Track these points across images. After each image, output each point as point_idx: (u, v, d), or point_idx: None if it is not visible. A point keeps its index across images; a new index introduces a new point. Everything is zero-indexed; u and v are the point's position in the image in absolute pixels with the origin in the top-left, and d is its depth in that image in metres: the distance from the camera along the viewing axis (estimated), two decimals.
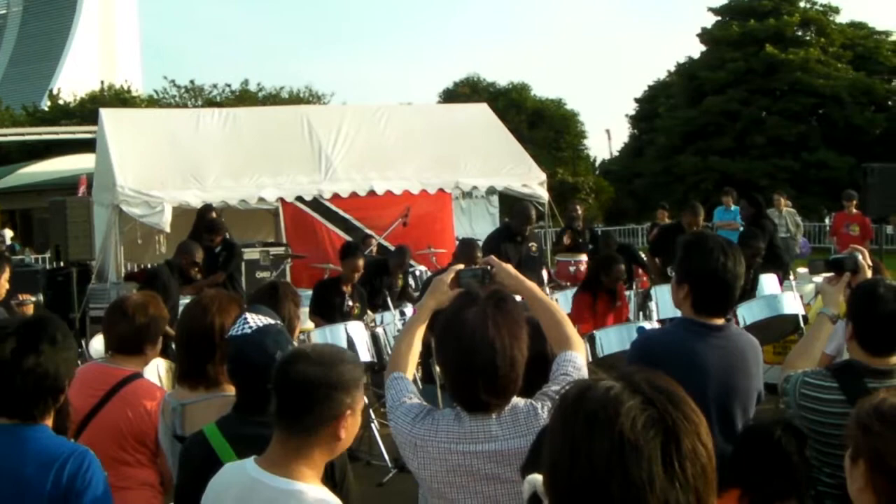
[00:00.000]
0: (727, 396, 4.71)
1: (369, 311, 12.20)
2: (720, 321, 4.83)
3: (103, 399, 5.27)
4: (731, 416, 4.72)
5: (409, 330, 4.24)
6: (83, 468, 4.05)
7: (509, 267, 4.33)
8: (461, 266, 4.39)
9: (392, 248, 16.89)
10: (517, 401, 3.77)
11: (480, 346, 3.64)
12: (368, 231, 18.56)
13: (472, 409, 3.73)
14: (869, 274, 5.13)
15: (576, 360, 3.97)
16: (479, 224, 20.97)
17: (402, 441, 3.85)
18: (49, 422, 4.15)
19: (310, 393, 3.42)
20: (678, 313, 10.55)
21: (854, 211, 20.06)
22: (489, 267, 4.30)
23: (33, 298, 7.80)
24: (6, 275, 8.57)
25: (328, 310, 11.66)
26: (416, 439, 3.77)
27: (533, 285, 4.37)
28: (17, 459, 3.99)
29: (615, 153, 64.36)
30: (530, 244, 13.17)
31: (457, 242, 17.19)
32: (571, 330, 4.14)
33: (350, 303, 11.95)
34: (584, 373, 3.93)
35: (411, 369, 4.17)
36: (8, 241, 36.22)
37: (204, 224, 15.04)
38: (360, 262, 12.06)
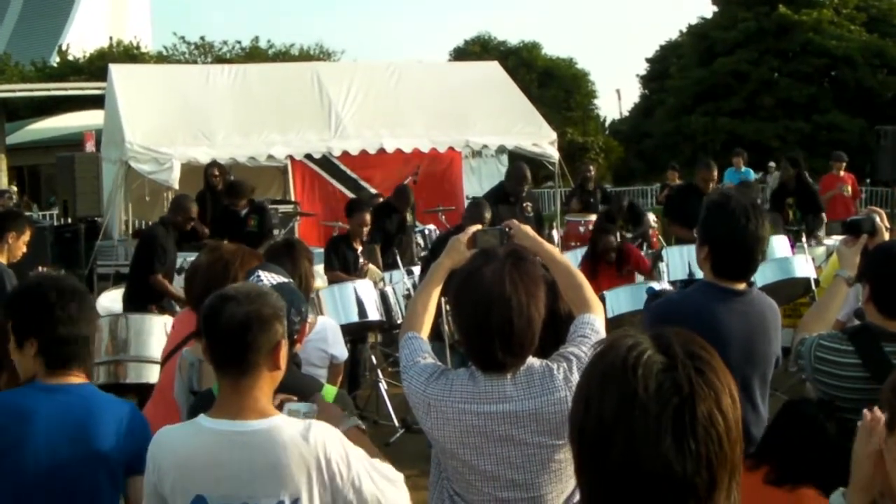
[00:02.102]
0: (748, 362, 4.67)
1: (376, 269, 12.14)
2: (742, 286, 4.77)
3: (181, 344, 5.33)
4: (750, 382, 4.69)
5: (425, 289, 4.21)
6: (143, 421, 4.18)
7: (527, 228, 4.29)
8: (478, 226, 4.35)
9: None
10: (533, 361, 3.74)
11: (497, 303, 3.61)
12: (375, 191, 18.52)
13: (487, 368, 3.70)
14: (886, 236, 5.06)
15: (594, 323, 3.94)
16: (489, 183, 20.82)
17: (416, 401, 3.83)
18: (85, 377, 4.19)
19: (248, 331, 3.42)
20: (688, 275, 10.59)
21: (842, 173, 19.93)
22: (507, 228, 4.26)
23: (54, 273, 7.74)
24: (26, 237, 8.56)
25: (343, 265, 11.63)
26: (430, 399, 3.75)
27: (552, 247, 4.34)
28: (89, 416, 4.04)
29: (625, 113, 64.08)
30: (525, 204, 13.04)
31: (466, 202, 17.20)
32: (590, 292, 4.10)
33: (362, 260, 11.88)
34: (603, 335, 3.89)
35: (426, 329, 4.14)
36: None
37: (226, 187, 15.01)
38: (368, 217, 11.98)
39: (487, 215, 10.57)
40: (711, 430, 1.90)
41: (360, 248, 11.93)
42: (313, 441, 3.36)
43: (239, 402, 3.44)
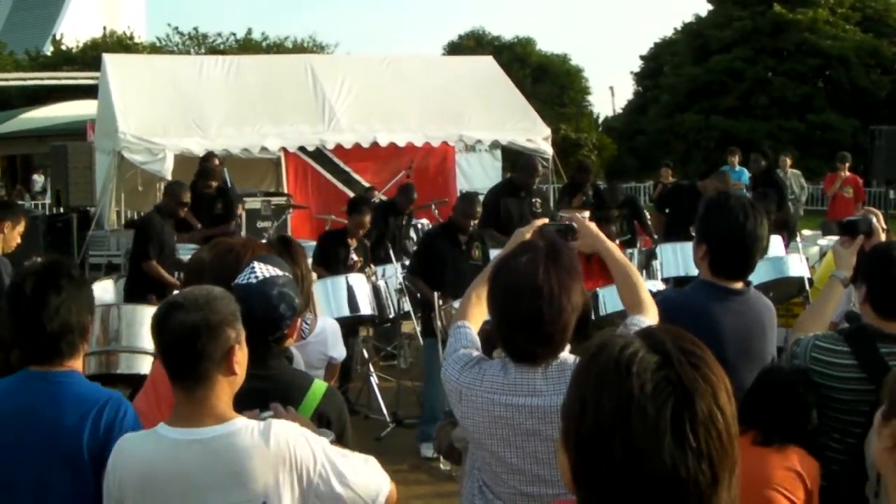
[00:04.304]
0: (744, 361, 4.64)
1: (371, 265, 12.11)
2: (739, 285, 4.75)
3: None
4: (746, 382, 4.66)
5: (481, 280, 4.19)
6: (119, 415, 4.04)
7: (592, 225, 4.32)
8: (545, 220, 4.38)
9: None
10: (566, 356, 3.72)
11: (527, 291, 3.59)
12: (368, 185, 18.51)
13: (517, 358, 3.70)
14: (883, 237, 5.05)
15: (642, 324, 3.87)
16: (482, 178, 20.87)
17: (450, 389, 3.85)
18: (79, 365, 4.15)
19: (196, 340, 3.33)
20: (682, 272, 10.55)
21: (847, 173, 19.98)
22: (572, 223, 4.27)
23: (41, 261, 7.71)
24: (21, 227, 8.55)
25: (332, 261, 11.51)
26: (462, 387, 3.77)
27: (613, 245, 4.35)
28: (54, 407, 3.97)
29: (618, 110, 64.14)
30: (534, 199, 12.98)
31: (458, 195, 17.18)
32: (646, 294, 4.10)
33: (354, 256, 11.80)
34: None
35: (478, 320, 4.14)
36: (39, 187, 35.99)
37: (198, 170, 14.97)
38: (367, 219, 11.89)
39: (478, 209, 10.56)
40: (711, 427, 1.88)
41: (353, 245, 11.85)
42: (274, 441, 3.31)
43: (195, 409, 3.38)
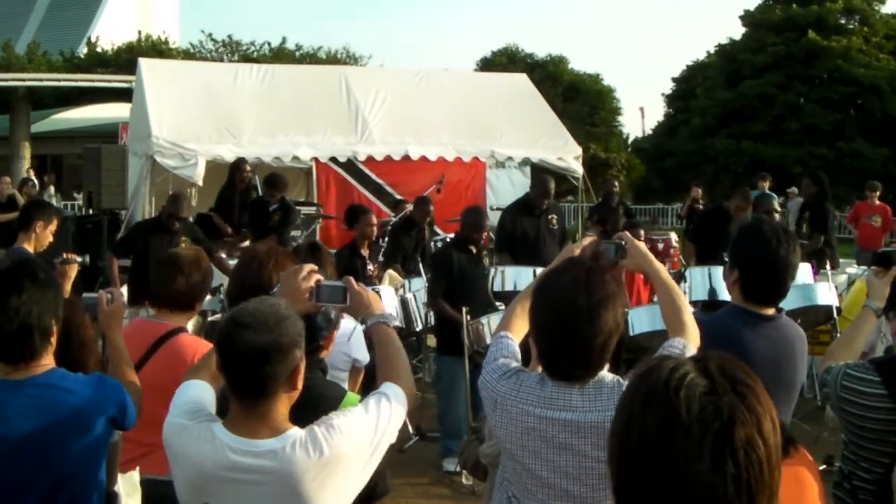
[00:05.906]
0: (773, 387, 4.63)
1: (395, 274, 12.08)
2: (771, 311, 4.75)
3: (145, 355, 5.25)
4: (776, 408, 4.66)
5: (526, 294, 4.20)
6: (112, 387, 4.20)
7: (642, 245, 4.37)
8: (594, 237, 4.46)
9: None
10: (604, 374, 3.74)
11: (569, 310, 3.62)
12: (399, 196, 18.50)
13: (556, 376, 3.72)
14: None
15: (681, 347, 3.92)
16: (510, 194, 20.83)
17: (486, 396, 3.89)
18: (51, 362, 4.12)
19: (266, 363, 3.31)
20: (709, 296, 10.53)
21: (877, 202, 20.00)
22: (622, 241, 4.32)
23: (79, 259, 7.72)
24: (53, 226, 8.60)
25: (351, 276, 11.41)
26: (498, 396, 3.81)
27: (661, 267, 4.37)
28: (59, 410, 3.99)
29: (648, 131, 64.07)
30: (550, 217, 12.98)
31: (490, 213, 17.21)
32: (688, 317, 4.12)
33: (371, 266, 11.76)
34: None
35: (520, 331, 4.15)
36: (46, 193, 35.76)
37: (265, 178, 15.13)
38: (374, 217, 11.92)
39: (486, 223, 10.62)
40: (752, 455, 1.91)
41: (367, 254, 11.84)
42: (327, 448, 3.33)
43: (254, 421, 3.38)
